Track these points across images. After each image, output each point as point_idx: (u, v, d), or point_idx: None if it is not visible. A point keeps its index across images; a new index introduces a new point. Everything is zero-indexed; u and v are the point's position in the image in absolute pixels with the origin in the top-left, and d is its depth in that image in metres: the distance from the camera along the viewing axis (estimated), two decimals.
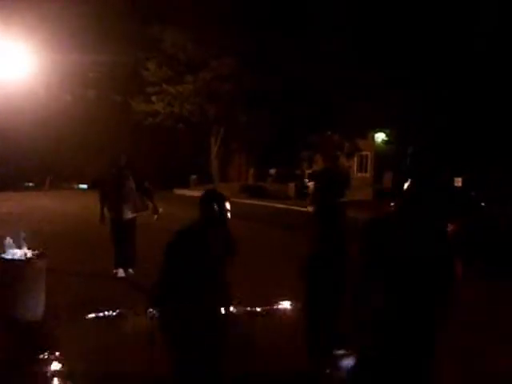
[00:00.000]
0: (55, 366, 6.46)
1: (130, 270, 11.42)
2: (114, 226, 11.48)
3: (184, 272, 5.19)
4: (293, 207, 29.98)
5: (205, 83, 36.33)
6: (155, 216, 11.64)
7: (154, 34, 35.33)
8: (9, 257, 8.04)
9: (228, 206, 5.48)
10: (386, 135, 38.74)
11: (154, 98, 37.11)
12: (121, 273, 11.35)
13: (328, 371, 6.58)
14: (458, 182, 31.40)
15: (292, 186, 37.34)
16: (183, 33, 35.12)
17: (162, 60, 36.74)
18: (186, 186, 42.16)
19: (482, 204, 22.81)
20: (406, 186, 4.47)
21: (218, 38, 33.93)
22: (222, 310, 5.45)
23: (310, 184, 35.08)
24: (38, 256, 8.19)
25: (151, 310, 8.63)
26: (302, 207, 30.86)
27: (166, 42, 36.12)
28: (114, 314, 8.69)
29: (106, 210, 11.59)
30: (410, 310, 4.22)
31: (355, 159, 43.10)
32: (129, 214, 11.37)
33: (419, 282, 4.21)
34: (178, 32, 35.17)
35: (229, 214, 5.46)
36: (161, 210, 11.79)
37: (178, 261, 5.22)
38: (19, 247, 8.14)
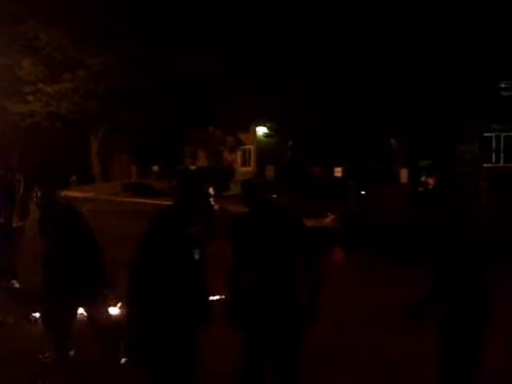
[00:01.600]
0: None
1: (15, 282, 10.62)
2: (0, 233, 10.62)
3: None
4: None
5: (82, 81, 35.72)
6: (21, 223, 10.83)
7: (28, 32, 34.39)
8: None
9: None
10: (268, 128, 39.21)
11: (30, 98, 36.13)
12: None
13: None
14: (338, 172, 32.29)
15: (175, 182, 37.22)
16: (58, 31, 34.35)
17: (37, 59, 35.80)
18: (66, 186, 41.31)
19: (362, 192, 23.56)
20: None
21: (93, 36, 33.41)
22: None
23: None
24: None
25: (34, 315, 8.53)
26: None
27: (40, 40, 35.22)
28: None
29: None
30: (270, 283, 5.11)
31: (238, 153, 43.45)
32: (18, 222, 10.68)
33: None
34: (52, 30, 34.38)
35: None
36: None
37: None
38: None
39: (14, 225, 10.65)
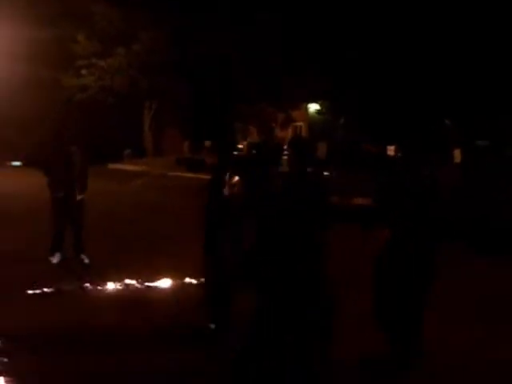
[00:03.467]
0: None
1: (84, 257, 10.51)
2: (60, 207, 10.43)
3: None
4: None
5: (136, 56, 35.93)
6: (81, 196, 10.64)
7: (82, 7, 34.69)
8: None
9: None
10: (319, 105, 38.96)
11: (84, 72, 36.49)
12: (57, 257, 10.47)
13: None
14: (391, 150, 31.92)
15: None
16: (112, 6, 34.62)
17: (91, 33, 36.11)
18: (120, 160, 41.75)
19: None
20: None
21: (147, 11, 33.63)
22: None
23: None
24: None
25: (88, 285, 8.72)
26: None
27: (94, 15, 35.51)
28: (52, 290, 8.62)
29: (49, 189, 10.55)
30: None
31: (289, 130, 43.29)
32: (79, 195, 10.52)
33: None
34: (105, 5, 34.67)
35: None
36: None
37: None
38: None
39: (77, 198, 10.48)
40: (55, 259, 10.49)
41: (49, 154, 10.88)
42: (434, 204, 6.08)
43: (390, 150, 31.96)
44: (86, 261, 10.51)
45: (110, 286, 8.88)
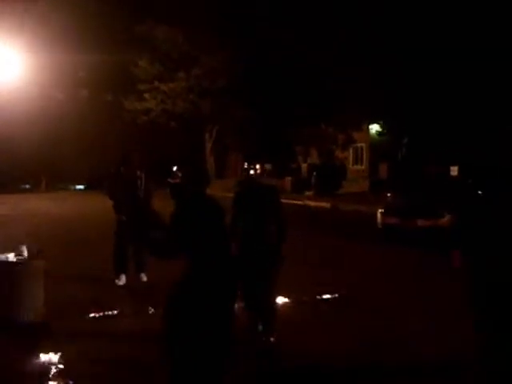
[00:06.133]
0: (57, 366, 6.43)
1: (142, 275, 10.65)
2: (122, 230, 10.62)
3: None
4: (292, 201, 29.83)
5: (197, 80, 36.31)
6: None
7: (145, 32, 35.26)
8: (5, 257, 7.95)
9: None
10: (381, 126, 38.52)
11: (146, 96, 37.03)
12: (123, 279, 10.60)
13: None
14: (454, 171, 31.39)
15: (288, 179, 37.32)
16: (174, 29, 35.07)
17: (153, 57, 36.67)
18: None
19: (479, 192, 22.68)
20: None
21: (208, 34, 33.97)
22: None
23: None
24: (35, 257, 8.11)
25: (152, 309, 8.69)
26: (300, 201, 30.97)
27: (157, 39, 36.05)
28: (115, 313, 8.67)
29: (114, 211, 10.75)
30: None
31: (350, 151, 43.03)
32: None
33: None
34: (168, 29, 35.13)
35: None
36: None
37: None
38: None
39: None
40: (121, 281, 10.60)
41: (114, 178, 11.04)
42: None
43: (454, 171, 31.49)
44: (145, 279, 10.62)
45: None
